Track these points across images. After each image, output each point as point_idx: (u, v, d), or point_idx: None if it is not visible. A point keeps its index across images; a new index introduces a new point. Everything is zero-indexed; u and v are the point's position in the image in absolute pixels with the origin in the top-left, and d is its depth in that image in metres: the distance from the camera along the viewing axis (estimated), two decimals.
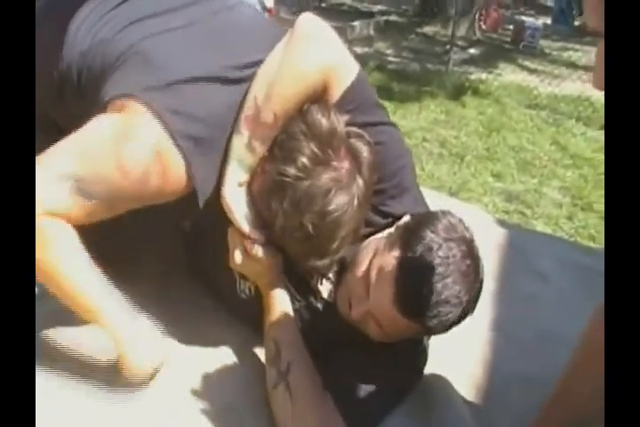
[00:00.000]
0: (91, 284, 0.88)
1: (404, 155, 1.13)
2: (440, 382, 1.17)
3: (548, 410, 1.03)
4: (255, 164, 0.97)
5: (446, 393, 1.15)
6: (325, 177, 0.91)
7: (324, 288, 1.14)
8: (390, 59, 4.73)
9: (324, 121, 0.92)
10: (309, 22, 0.98)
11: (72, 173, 0.86)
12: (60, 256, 0.86)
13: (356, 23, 5.03)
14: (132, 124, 0.90)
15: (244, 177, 0.97)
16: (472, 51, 5.20)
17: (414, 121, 3.32)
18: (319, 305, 1.13)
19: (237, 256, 1.01)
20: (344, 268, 1.10)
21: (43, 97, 0.94)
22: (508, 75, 4.53)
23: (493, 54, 5.09)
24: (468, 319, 1.03)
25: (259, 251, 1.00)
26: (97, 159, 0.88)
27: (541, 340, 1.37)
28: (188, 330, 1.11)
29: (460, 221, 1.03)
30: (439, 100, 3.74)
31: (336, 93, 0.99)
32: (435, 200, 1.25)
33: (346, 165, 0.93)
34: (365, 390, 1.03)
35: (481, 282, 1.01)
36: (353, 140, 0.95)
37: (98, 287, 0.89)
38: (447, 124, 3.32)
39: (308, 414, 0.98)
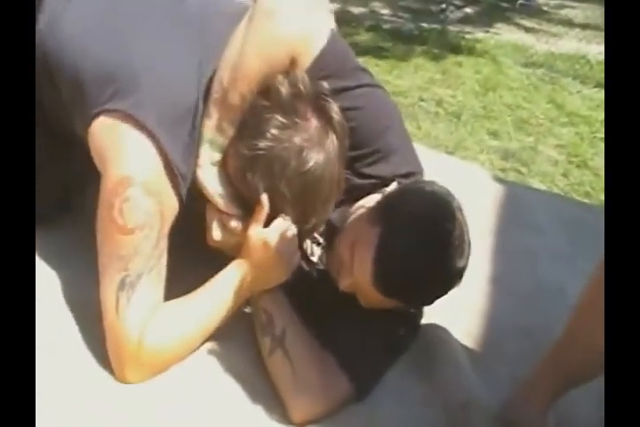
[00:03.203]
0: None
1: (388, 116, 1.12)
2: (439, 333, 1.19)
3: (547, 365, 1.05)
4: (226, 144, 0.97)
5: (446, 344, 1.17)
6: (297, 139, 0.92)
7: (315, 253, 1.15)
8: (386, 18, 4.65)
9: (282, 89, 0.92)
10: None
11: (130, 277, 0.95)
12: None
13: None
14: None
15: (217, 156, 0.97)
16: (468, 10, 5.11)
17: (410, 80, 3.28)
18: (310, 271, 1.13)
19: (215, 231, 1.00)
20: (334, 234, 1.10)
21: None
22: (505, 34, 4.46)
23: (490, 13, 5.00)
24: (466, 272, 1.04)
25: (235, 224, 0.99)
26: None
27: (538, 292, 1.40)
28: None
29: (447, 192, 1.01)
30: (435, 60, 3.70)
31: (305, 63, 0.98)
32: (432, 159, 1.26)
33: (314, 122, 0.93)
34: (363, 346, 1.05)
35: (467, 258, 1.00)
36: (321, 101, 0.94)
37: None
38: (443, 84, 3.28)
39: (310, 375, 0.99)
